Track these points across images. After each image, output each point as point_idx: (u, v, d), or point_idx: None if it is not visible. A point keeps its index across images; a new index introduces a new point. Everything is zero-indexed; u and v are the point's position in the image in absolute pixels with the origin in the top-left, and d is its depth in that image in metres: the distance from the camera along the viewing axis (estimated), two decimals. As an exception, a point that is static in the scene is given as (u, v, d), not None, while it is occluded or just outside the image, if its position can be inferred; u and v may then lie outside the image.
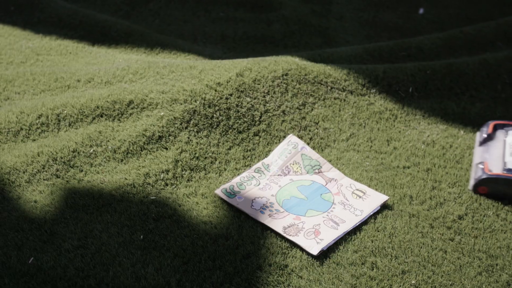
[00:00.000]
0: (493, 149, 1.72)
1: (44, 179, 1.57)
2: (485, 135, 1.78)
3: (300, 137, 1.79)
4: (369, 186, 1.64)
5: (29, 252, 1.36)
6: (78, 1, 2.89)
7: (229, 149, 1.73)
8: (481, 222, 1.54)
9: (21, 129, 1.75)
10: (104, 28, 2.53)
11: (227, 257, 1.38)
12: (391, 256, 1.42)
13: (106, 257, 1.36)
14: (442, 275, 1.38)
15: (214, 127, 1.76)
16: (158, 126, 1.73)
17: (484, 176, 1.61)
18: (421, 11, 2.90)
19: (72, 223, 1.44)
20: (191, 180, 1.61)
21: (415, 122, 1.94)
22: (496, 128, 1.81)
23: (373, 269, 1.38)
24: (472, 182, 1.64)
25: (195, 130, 1.75)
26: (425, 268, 1.40)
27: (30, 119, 1.77)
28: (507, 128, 1.79)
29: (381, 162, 1.73)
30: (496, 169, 1.62)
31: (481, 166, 1.65)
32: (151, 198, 1.53)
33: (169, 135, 1.72)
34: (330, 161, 1.73)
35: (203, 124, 1.77)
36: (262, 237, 1.44)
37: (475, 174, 1.64)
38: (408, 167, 1.72)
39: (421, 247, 1.45)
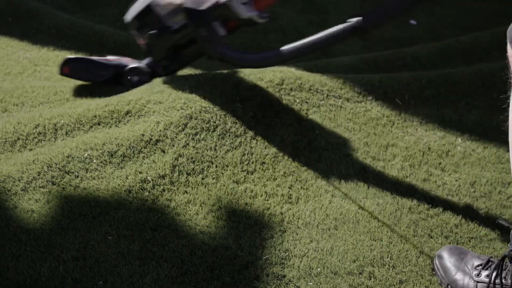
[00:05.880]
0: None
1: (40, 187, 1.56)
2: None
3: (297, 142, 1.79)
4: (366, 194, 1.64)
5: (27, 263, 1.36)
6: (76, 12, 2.90)
7: (226, 152, 1.73)
8: (477, 231, 1.55)
9: (18, 139, 1.75)
10: (102, 39, 2.54)
11: (225, 268, 1.38)
12: (389, 265, 1.42)
13: (104, 268, 1.36)
14: (439, 286, 1.39)
15: (211, 131, 1.76)
16: (156, 130, 1.73)
17: None
18: (412, 22, 2.92)
19: (69, 233, 1.44)
20: (188, 186, 1.60)
21: (412, 129, 1.95)
22: None
23: (370, 279, 1.39)
24: None
25: (192, 133, 1.74)
26: (422, 278, 1.40)
27: (27, 129, 1.77)
28: None
29: (378, 169, 1.74)
30: None
31: None
32: (148, 205, 1.53)
33: (166, 138, 1.71)
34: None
35: (201, 128, 1.76)
36: (260, 247, 1.45)
37: None
38: (406, 176, 1.73)
39: (418, 257, 1.45)
